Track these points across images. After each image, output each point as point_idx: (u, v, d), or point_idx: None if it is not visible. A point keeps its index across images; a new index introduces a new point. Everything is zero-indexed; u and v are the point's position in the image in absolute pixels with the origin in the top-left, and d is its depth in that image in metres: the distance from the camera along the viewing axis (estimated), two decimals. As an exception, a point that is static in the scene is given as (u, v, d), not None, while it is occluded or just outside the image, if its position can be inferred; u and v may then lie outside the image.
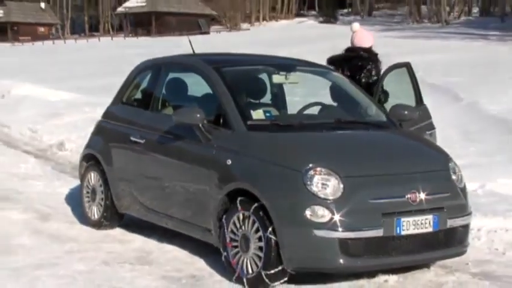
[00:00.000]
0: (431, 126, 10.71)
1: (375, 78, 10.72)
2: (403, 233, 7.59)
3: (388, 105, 9.92)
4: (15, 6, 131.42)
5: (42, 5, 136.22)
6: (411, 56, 42.79)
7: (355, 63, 10.90)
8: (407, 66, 10.99)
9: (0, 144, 18.21)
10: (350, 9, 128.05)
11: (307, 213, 7.32)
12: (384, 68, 10.87)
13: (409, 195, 7.66)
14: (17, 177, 14.00)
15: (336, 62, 10.85)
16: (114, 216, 10.30)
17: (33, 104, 24.55)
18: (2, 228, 10.08)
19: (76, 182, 11.76)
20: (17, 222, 10.38)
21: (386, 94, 10.71)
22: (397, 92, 10.93)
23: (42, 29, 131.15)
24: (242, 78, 9.41)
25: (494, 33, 71.61)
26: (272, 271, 7.61)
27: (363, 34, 11.55)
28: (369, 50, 11.21)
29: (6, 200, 11.78)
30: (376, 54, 11.22)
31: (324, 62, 10.90)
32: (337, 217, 7.35)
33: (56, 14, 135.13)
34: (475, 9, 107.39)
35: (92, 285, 7.79)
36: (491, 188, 11.62)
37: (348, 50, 11.26)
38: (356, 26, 11.90)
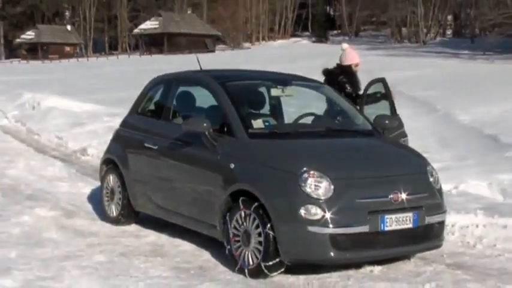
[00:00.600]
0: (404, 134, 10.87)
1: (349, 90, 10.85)
2: (387, 229, 7.59)
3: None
4: (45, 29, 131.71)
5: (68, 27, 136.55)
6: (393, 72, 42.83)
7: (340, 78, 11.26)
8: (383, 81, 11.34)
9: (31, 150, 18.18)
10: (339, 31, 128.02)
11: (302, 211, 7.31)
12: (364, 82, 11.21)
13: (391, 196, 7.65)
14: (45, 179, 13.99)
15: (328, 73, 11.34)
16: (131, 214, 10.28)
17: (59, 115, 24.53)
18: (33, 224, 10.06)
19: (97, 184, 11.74)
20: (46, 219, 10.35)
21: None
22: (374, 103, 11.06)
23: (68, 49, 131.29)
24: (244, 91, 9.40)
25: (465, 52, 71.72)
26: (270, 263, 7.61)
27: (350, 52, 11.59)
28: (347, 67, 11.41)
29: (36, 199, 11.75)
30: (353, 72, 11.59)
31: (316, 77, 10.89)
32: (328, 215, 7.35)
33: (80, 35, 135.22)
34: (449, 31, 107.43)
35: (111, 274, 7.76)
36: (463, 189, 11.62)
37: (337, 65, 11.48)
38: (345, 45, 11.96)
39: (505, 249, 8.86)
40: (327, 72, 11.34)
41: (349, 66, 11.25)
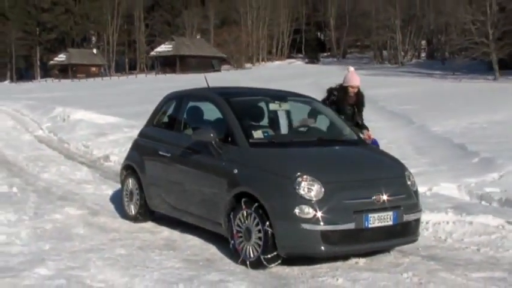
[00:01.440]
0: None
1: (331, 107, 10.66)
2: (370, 226, 7.58)
3: None
4: (74, 52, 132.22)
5: (94, 50, 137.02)
6: (376, 89, 42.89)
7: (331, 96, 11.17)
8: None
9: (62, 157, 18.19)
10: (329, 53, 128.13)
11: (296, 211, 7.29)
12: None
13: (374, 197, 7.65)
14: (74, 182, 14.00)
15: (328, 91, 11.19)
16: (147, 213, 10.25)
17: (86, 126, 24.54)
18: (63, 221, 10.09)
19: (118, 186, 11.72)
20: (74, 217, 10.37)
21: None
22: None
23: (94, 69, 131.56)
24: (246, 106, 9.37)
25: (437, 72, 71.91)
26: (269, 256, 7.60)
27: (352, 75, 11.18)
28: (345, 87, 11.08)
29: (66, 199, 11.80)
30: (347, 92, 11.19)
31: (308, 93, 10.88)
32: (319, 214, 7.34)
33: (104, 57, 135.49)
34: (423, 54, 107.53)
35: (130, 265, 7.75)
36: (436, 191, 11.61)
37: (339, 85, 11.24)
38: (350, 68, 11.61)
39: (471, 243, 8.87)
40: (328, 90, 11.26)
41: (346, 87, 10.98)
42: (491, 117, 24.76)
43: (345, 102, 10.92)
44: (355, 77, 11.10)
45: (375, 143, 10.28)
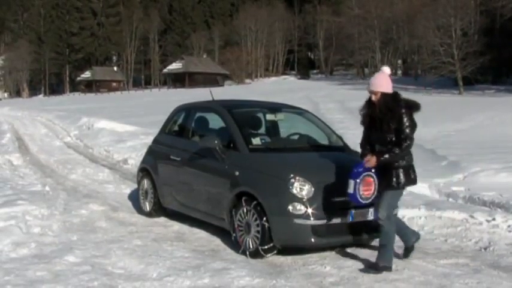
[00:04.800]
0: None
1: None
2: (354, 220, 7.54)
3: None
4: (98, 70, 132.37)
5: (115, 68, 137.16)
6: (359, 102, 42.78)
7: None
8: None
9: (87, 160, 18.18)
10: (318, 70, 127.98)
11: (290, 208, 7.28)
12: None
13: (357, 196, 7.61)
14: (97, 182, 14.00)
15: None
16: (160, 209, 10.22)
17: (107, 134, 24.56)
18: (88, 215, 10.10)
19: (135, 186, 11.69)
20: (97, 212, 10.37)
21: None
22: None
23: (114, 84, 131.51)
24: (246, 116, 9.36)
25: (411, 87, 71.70)
26: (266, 247, 7.60)
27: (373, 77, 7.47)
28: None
29: (90, 197, 11.79)
30: None
31: (300, 105, 10.84)
32: (310, 210, 7.34)
33: (123, 73, 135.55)
34: (399, 71, 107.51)
35: (146, 254, 7.74)
36: (410, 190, 11.50)
37: None
38: (383, 67, 7.51)
39: (440, 234, 8.92)
40: None
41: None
42: (457, 126, 24.79)
43: (365, 115, 7.41)
44: (373, 79, 7.32)
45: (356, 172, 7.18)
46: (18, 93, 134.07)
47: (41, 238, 8.44)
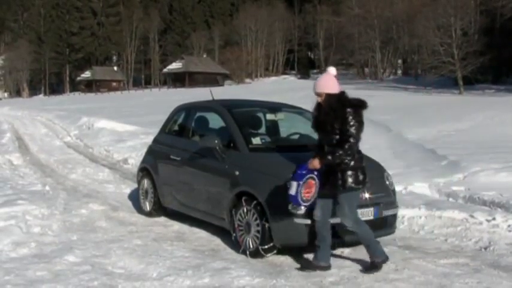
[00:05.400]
0: None
1: None
2: (353, 220, 7.53)
3: None
4: (98, 70, 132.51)
5: (115, 68, 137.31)
6: (357, 101, 42.82)
7: None
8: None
9: (87, 160, 18.20)
10: (318, 70, 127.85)
11: (289, 207, 7.24)
12: None
13: (357, 195, 7.60)
14: (97, 181, 14.01)
15: None
16: (160, 209, 10.23)
17: (108, 133, 24.58)
18: (88, 215, 10.11)
19: (135, 186, 11.70)
20: (97, 212, 10.38)
21: None
22: None
23: (114, 84, 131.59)
24: (246, 116, 9.34)
25: (411, 87, 71.99)
26: (266, 246, 7.59)
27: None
28: None
29: (90, 197, 11.80)
30: None
31: (300, 105, 10.82)
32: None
33: (123, 73, 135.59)
34: (399, 71, 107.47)
35: (146, 254, 7.74)
36: (411, 189, 11.58)
37: None
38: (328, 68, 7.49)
39: (440, 234, 8.92)
40: None
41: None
42: (457, 126, 24.78)
43: (314, 117, 7.30)
44: (317, 81, 7.28)
45: (301, 172, 7.08)
46: (18, 93, 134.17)
47: (41, 238, 8.44)
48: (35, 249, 7.86)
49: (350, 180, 6.90)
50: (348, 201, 6.97)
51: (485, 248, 8.09)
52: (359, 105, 7.03)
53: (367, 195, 7.64)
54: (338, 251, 7.91)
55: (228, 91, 67.70)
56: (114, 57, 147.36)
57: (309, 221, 7.26)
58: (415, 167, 14.16)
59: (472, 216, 9.26)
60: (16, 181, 13.12)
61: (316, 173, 6.97)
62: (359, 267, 7.21)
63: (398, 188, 10.07)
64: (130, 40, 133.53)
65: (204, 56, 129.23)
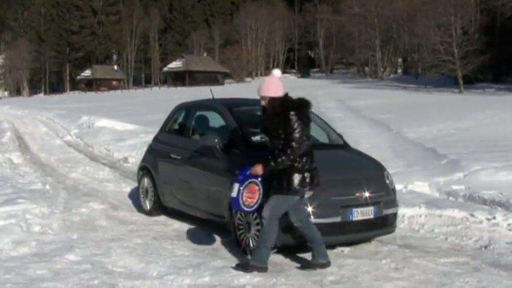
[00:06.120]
0: None
1: None
2: (354, 219, 7.58)
3: None
4: (98, 68, 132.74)
5: (115, 67, 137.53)
6: (359, 100, 42.89)
7: None
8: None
9: (87, 159, 18.21)
10: (318, 69, 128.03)
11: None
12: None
13: (357, 194, 7.63)
14: (97, 180, 14.02)
15: None
16: (160, 208, 10.23)
17: (108, 132, 24.58)
18: (88, 214, 10.11)
19: (135, 184, 11.70)
20: (98, 210, 10.38)
21: None
22: None
23: (114, 83, 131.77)
24: (246, 114, 9.32)
25: (411, 86, 71.92)
26: (266, 245, 7.54)
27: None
28: None
29: (90, 195, 11.80)
30: None
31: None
32: (310, 209, 7.34)
33: (123, 72, 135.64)
34: (399, 70, 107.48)
35: (146, 253, 7.75)
36: (411, 188, 11.60)
37: None
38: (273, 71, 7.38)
39: (440, 233, 8.91)
40: None
41: None
42: (457, 124, 24.76)
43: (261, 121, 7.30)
44: (261, 84, 7.23)
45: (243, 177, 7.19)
46: (18, 92, 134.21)
47: (41, 237, 8.45)
48: (35, 248, 7.86)
49: (296, 183, 6.85)
50: (279, 200, 6.92)
51: (486, 247, 8.09)
52: (303, 107, 6.95)
53: (367, 194, 7.67)
54: (338, 250, 7.92)
55: (228, 90, 67.67)
56: (114, 56, 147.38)
57: (311, 220, 7.26)
58: (415, 166, 14.16)
59: (472, 215, 9.27)
60: (16, 180, 13.13)
61: (260, 179, 6.97)
62: (359, 266, 7.21)
63: (398, 187, 10.07)
64: (131, 39, 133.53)
65: (204, 54, 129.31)
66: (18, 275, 6.69)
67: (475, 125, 24.53)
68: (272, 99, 6.91)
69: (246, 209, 7.03)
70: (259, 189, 6.97)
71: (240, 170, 7.06)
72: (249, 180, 6.96)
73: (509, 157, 14.19)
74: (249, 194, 6.96)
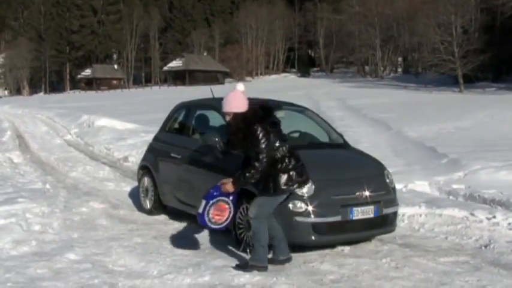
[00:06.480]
0: None
1: None
2: (354, 218, 7.57)
3: None
4: (98, 68, 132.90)
5: (115, 66, 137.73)
6: (359, 100, 42.91)
7: None
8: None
9: (87, 158, 18.20)
10: (318, 68, 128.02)
11: (290, 205, 7.26)
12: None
13: (358, 193, 7.63)
14: (97, 179, 14.02)
15: None
16: (160, 207, 10.24)
17: (108, 131, 24.56)
18: (88, 213, 10.11)
19: (135, 184, 11.70)
20: (98, 210, 10.39)
21: None
22: None
23: (114, 82, 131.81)
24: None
25: (411, 85, 71.87)
26: (266, 244, 7.54)
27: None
28: None
29: (90, 195, 11.79)
30: None
31: (300, 103, 10.82)
32: (310, 208, 7.33)
33: (124, 71, 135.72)
34: (400, 69, 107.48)
35: (146, 252, 7.74)
36: (411, 187, 11.59)
37: None
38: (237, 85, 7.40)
39: (440, 232, 8.91)
40: None
41: None
42: (457, 124, 24.77)
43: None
44: (224, 99, 7.22)
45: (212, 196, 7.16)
46: (18, 91, 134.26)
47: (42, 236, 8.44)
48: (36, 247, 7.86)
49: (282, 183, 6.88)
50: (265, 200, 6.94)
51: (486, 246, 8.09)
52: (266, 116, 6.95)
53: (367, 193, 7.67)
54: (338, 249, 7.91)
55: (229, 89, 67.65)
56: (115, 55, 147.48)
57: (309, 219, 7.29)
58: (415, 165, 14.16)
59: (472, 214, 9.27)
60: (16, 179, 13.13)
61: (231, 197, 6.98)
62: (359, 265, 7.21)
63: (398, 186, 10.06)
64: (131, 38, 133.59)
65: (205, 54, 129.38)
66: (19, 274, 6.68)
67: (475, 124, 24.53)
68: (236, 115, 6.93)
69: (212, 226, 7.01)
70: (230, 207, 7.01)
71: (213, 187, 7.04)
72: (219, 198, 6.95)
73: (509, 156, 14.18)
74: (217, 212, 6.96)
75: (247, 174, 6.78)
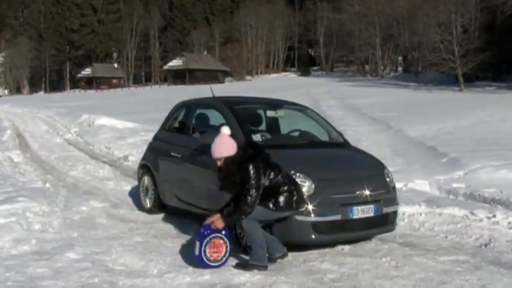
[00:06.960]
0: None
1: None
2: (354, 217, 7.55)
3: None
4: (98, 67, 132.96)
5: (115, 65, 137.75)
6: (359, 99, 42.90)
7: None
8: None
9: (87, 157, 18.20)
10: (318, 67, 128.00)
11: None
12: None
13: (358, 192, 7.61)
14: (97, 178, 14.01)
15: None
16: (160, 206, 10.24)
17: (108, 130, 24.57)
18: (88, 212, 10.11)
19: (135, 183, 11.71)
20: (98, 209, 10.38)
21: None
22: None
23: (114, 81, 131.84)
24: (246, 112, 9.32)
25: (411, 84, 71.89)
26: (267, 244, 7.54)
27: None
28: None
29: (90, 194, 11.81)
30: None
31: (301, 102, 10.82)
32: (310, 207, 7.30)
33: (124, 70, 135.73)
34: (400, 68, 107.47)
35: (146, 251, 7.74)
36: (411, 186, 11.60)
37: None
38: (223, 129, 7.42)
39: (440, 231, 8.92)
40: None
41: None
42: (457, 123, 24.79)
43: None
44: (212, 146, 7.27)
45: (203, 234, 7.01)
46: (18, 90, 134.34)
47: (42, 235, 8.44)
48: (36, 246, 7.85)
49: (282, 202, 6.96)
50: (262, 210, 6.96)
51: (486, 245, 8.09)
52: (257, 153, 7.01)
53: (367, 192, 7.67)
54: (338, 248, 7.91)
55: (229, 88, 67.70)
56: (115, 54, 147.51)
57: (309, 218, 7.29)
58: (415, 164, 14.17)
59: (472, 214, 9.27)
60: (17, 178, 13.11)
61: (224, 232, 6.98)
62: (359, 264, 7.20)
63: (398, 185, 10.06)
64: (131, 37, 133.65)
65: (205, 53, 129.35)
66: (19, 273, 6.68)
67: (475, 123, 24.56)
68: (226, 159, 7.00)
69: (213, 264, 6.97)
70: (225, 242, 7.00)
71: (203, 226, 7.04)
72: (212, 236, 6.94)
73: (509, 155, 14.19)
74: (213, 250, 6.93)
75: (237, 211, 6.81)
